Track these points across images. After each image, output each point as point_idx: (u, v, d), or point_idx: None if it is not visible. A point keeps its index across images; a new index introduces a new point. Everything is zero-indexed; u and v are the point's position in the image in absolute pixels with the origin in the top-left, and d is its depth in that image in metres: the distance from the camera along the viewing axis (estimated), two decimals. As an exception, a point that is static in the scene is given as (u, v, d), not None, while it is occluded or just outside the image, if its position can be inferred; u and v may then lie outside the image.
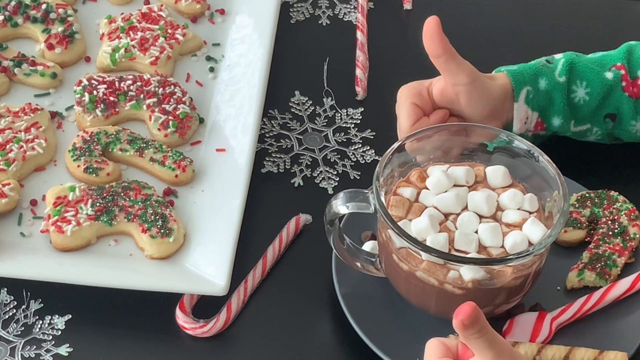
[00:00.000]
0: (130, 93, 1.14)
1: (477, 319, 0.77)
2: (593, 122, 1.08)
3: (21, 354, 0.96)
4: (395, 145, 0.96)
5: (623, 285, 0.99)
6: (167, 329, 0.98)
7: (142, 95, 1.13)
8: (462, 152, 0.99)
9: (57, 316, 0.99)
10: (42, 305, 1.00)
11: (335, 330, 0.99)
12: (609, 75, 1.08)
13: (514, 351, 0.81)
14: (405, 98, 1.04)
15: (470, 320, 0.77)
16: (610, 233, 1.03)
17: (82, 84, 1.14)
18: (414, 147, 0.98)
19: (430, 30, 1.00)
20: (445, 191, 0.95)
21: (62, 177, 1.08)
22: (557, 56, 1.09)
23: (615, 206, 1.05)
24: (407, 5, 1.32)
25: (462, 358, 0.83)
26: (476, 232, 0.93)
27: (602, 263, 1.01)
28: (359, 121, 1.18)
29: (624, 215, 1.04)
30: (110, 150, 1.09)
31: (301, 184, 1.12)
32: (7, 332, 0.98)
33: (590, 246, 1.03)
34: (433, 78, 1.05)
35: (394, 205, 0.94)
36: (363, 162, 1.14)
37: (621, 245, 1.02)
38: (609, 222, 1.04)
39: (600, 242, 1.02)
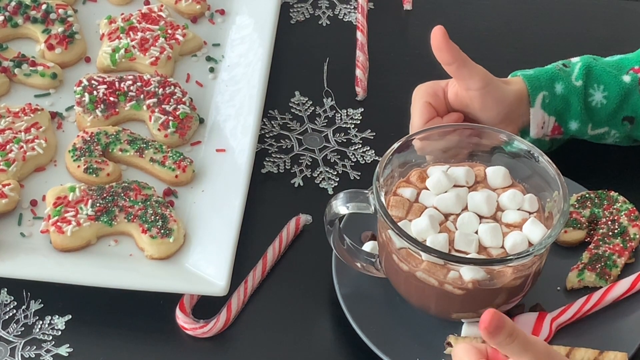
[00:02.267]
0: (130, 93, 1.14)
1: (502, 324, 0.75)
2: (611, 125, 1.08)
3: (21, 354, 0.96)
4: (396, 145, 0.96)
5: (623, 286, 0.99)
6: (167, 329, 0.98)
7: (142, 96, 1.13)
8: (471, 154, 0.99)
9: (57, 316, 0.99)
10: (42, 305, 1.00)
11: (335, 330, 0.99)
12: (627, 78, 1.07)
13: (550, 350, 0.79)
14: (420, 96, 1.04)
15: (492, 326, 0.75)
16: (610, 233, 1.03)
17: (82, 85, 1.14)
18: (421, 146, 0.98)
19: (438, 40, 1.00)
20: (445, 191, 0.95)
21: (62, 177, 1.08)
22: (574, 60, 1.09)
23: (615, 206, 1.05)
24: (407, 6, 1.32)
25: None
26: (476, 232, 0.93)
27: (602, 263, 1.01)
28: (359, 121, 1.18)
29: (624, 216, 1.04)
30: (110, 150, 1.09)
31: (301, 184, 1.12)
32: (7, 332, 0.98)
33: (590, 246, 1.03)
34: (449, 79, 1.05)
35: (394, 206, 0.94)
36: (363, 162, 1.14)
37: (621, 245, 1.02)
38: (609, 222, 1.04)
39: (600, 243, 1.02)
